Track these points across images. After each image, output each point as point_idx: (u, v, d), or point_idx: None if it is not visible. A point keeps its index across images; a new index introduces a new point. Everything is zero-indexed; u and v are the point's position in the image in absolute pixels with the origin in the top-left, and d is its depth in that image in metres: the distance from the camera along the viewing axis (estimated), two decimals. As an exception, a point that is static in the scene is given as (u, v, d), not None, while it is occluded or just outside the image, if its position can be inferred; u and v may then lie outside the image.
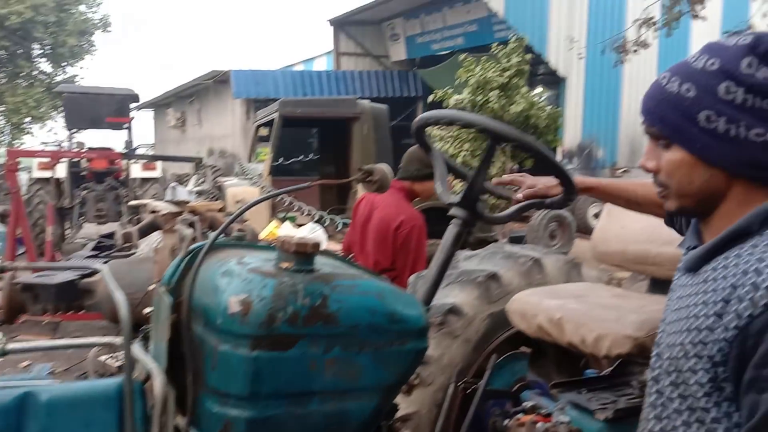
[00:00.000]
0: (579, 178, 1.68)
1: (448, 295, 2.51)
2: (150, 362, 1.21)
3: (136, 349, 1.27)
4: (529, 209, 1.67)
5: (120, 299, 1.19)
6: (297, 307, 1.13)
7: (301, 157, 15.21)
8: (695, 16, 8.38)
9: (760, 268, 1.01)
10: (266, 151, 8.81)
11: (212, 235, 1.25)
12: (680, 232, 1.45)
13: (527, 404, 2.10)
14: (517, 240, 9.26)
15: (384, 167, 1.57)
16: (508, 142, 1.44)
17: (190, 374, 1.16)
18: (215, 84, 20.00)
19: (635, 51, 8.56)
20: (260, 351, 1.11)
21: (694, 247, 1.21)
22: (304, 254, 1.17)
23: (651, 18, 8.39)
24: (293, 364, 1.14)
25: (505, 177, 1.94)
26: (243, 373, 1.11)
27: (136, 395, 1.24)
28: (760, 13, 8.71)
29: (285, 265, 1.17)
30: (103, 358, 3.21)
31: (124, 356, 1.18)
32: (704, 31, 13.61)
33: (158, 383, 1.16)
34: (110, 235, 7.21)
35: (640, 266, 2.39)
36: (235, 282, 1.14)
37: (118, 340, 1.23)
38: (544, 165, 1.49)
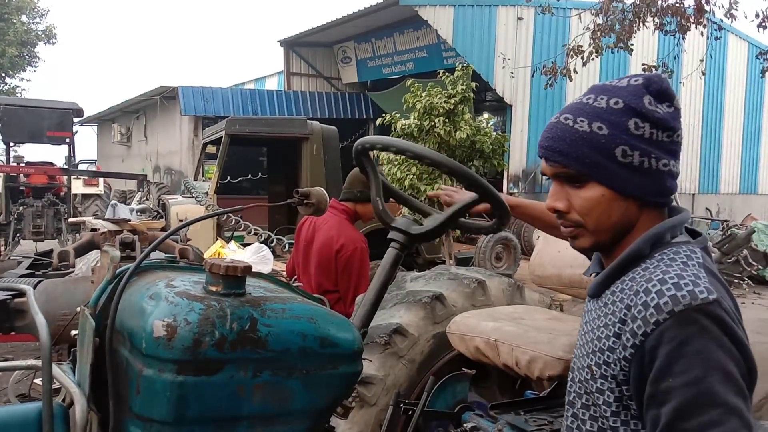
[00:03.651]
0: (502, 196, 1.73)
1: (394, 316, 2.53)
2: (72, 386, 1.18)
3: (59, 372, 1.23)
4: (466, 232, 1.68)
5: (41, 322, 1.15)
6: (224, 332, 1.11)
7: (249, 176, 15.04)
8: (624, 48, 8.74)
9: (649, 287, 1.06)
10: (214, 169, 8.70)
11: (139, 257, 1.23)
12: None
13: (467, 425, 2.12)
14: (464, 262, 9.39)
15: (321, 190, 1.57)
16: (440, 168, 1.47)
17: (112, 399, 1.13)
18: (163, 100, 19.67)
19: (564, 75, 8.86)
20: (185, 376, 1.09)
21: (598, 274, 1.26)
22: (233, 277, 1.16)
23: (580, 46, 8.71)
24: (220, 389, 1.13)
25: (439, 191, 1.95)
26: (167, 398, 1.09)
27: (58, 420, 1.20)
28: (685, 46, 9.17)
29: (214, 288, 1.16)
30: (37, 380, 3.08)
31: (42, 380, 1.14)
32: (641, 60, 14.24)
33: (79, 408, 1.13)
34: (48, 253, 6.96)
35: (575, 290, 2.46)
36: (161, 305, 1.12)
37: (40, 363, 1.18)
38: (478, 191, 1.52)
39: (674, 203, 1.26)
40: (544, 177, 1.25)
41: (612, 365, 1.11)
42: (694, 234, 1.21)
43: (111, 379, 1.15)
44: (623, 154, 1.14)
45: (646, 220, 1.18)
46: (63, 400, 1.30)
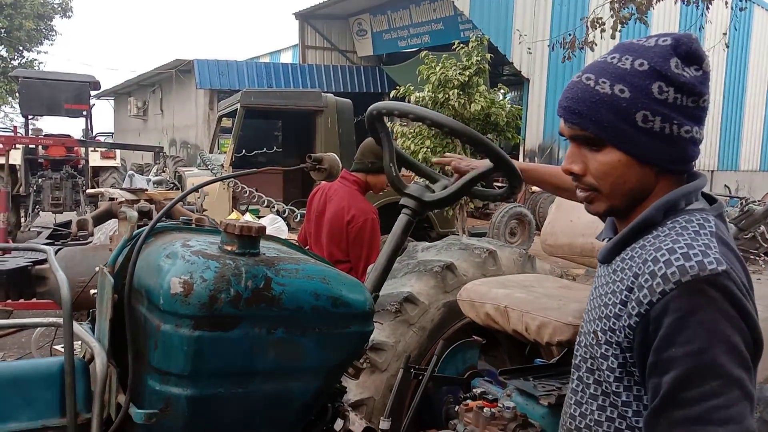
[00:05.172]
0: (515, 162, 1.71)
1: (405, 284, 2.56)
2: (92, 341, 1.22)
3: (80, 329, 1.27)
4: (477, 199, 1.69)
5: (62, 278, 1.19)
6: (239, 289, 1.14)
7: (264, 150, 15.10)
8: (640, 20, 8.60)
9: (657, 257, 1.05)
10: (229, 142, 8.75)
11: (156, 217, 1.26)
12: None
13: (477, 391, 2.16)
14: (477, 236, 9.38)
15: (333, 156, 1.59)
16: (458, 136, 1.48)
17: (131, 354, 1.18)
18: (178, 73, 19.69)
19: (581, 49, 8.76)
20: (202, 331, 1.12)
21: (610, 239, 1.25)
22: (248, 237, 1.18)
23: (600, 18, 8.58)
24: (235, 345, 1.16)
25: (444, 158, 1.96)
26: (184, 352, 1.13)
27: (78, 373, 1.24)
28: (708, 17, 9.00)
29: (229, 247, 1.19)
30: (57, 346, 3.16)
31: (64, 335, 1.18)
32: (662, 32, 13.96)
33: (99, 362, 1.17)
34: (67, 224, 7.06)
35: (586, 259, 2.46)
36: (178, 263, 1.15)
37: (61, 320, 1.23)
38: (491, 158, 1.53)
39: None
40: (562, 138, 1.23)
41: (617, 332, 1.11)
42: (711, 200, 1.19)
43: (130, 335, 1.19)
44: (644, 119, 1.10)
45: (663, 187, 1.16)
46: (83, 357, 1.35)
